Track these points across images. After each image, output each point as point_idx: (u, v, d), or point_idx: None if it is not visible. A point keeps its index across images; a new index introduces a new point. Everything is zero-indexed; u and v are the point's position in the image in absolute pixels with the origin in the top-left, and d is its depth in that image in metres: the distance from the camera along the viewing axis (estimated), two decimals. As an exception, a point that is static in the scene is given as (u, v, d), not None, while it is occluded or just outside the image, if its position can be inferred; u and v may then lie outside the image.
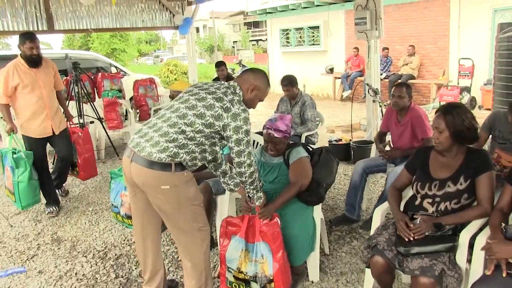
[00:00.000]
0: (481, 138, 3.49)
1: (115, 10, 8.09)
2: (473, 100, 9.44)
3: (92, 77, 7.66)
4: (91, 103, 6.62)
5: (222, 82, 2.58)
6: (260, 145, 4.11)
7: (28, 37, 4.23)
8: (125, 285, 3.25)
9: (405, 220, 2.47)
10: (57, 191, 4.93)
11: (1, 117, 5.29)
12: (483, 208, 2.42)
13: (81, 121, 5.92)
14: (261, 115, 9.63)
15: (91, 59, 10.29)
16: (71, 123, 5.11)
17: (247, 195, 2.79)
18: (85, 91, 6.55)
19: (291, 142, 3.20)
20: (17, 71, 4.21)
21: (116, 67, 10.41)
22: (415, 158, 2.74)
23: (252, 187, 2.60)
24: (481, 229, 2.42)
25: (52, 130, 4.50)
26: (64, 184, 5.27)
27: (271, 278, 2.69)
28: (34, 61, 4.27)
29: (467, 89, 9.49)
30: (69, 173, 5.19)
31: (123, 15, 8.25)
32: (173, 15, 8.74)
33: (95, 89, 7.55)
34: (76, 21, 7.69)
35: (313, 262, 3.10)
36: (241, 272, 2.78)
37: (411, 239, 2.35)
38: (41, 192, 4.55)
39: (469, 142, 2.53)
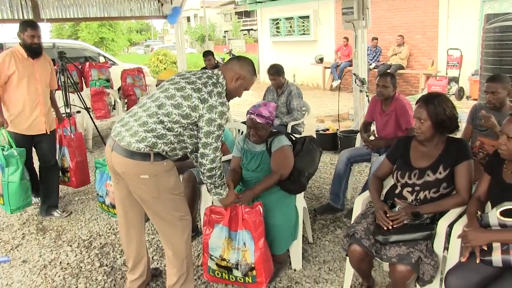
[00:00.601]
0: (466, 131, 3.58)
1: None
2: (461, 90, 9.49)
3: (80, 67, 7.61)
4: (78, 92, 6.58)
5: (207, 71, 2.54)
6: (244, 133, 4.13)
7: (29, 24, 3.97)
8: (109, 273, 3.26)
9: (384, 209, 2.50)
10: (56, 212, 4.36)
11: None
12: (461, 197, 2.46)
13: (68, 110, 5.88)
14: (250, 105, 9.61)
15: (79, 49, 10.21)
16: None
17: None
18: (72, 80, 6.50)
19: (274, 130, 3.21)
20: (14, 59, 3.88)
21: (104, 56, 10.35)
22: (396, 148, 2.77)
23: (209, 181, 2.52)
24: (458, 218, 2.46)
25: (45, 128, 4.14)
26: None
27: (253, 265, 2.72)
28: (35, 50, 3.97)
29: (455, 79, 9.54)
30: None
31: (111, 4, 8.16)
32: (162, 4, 8.66)
33: (82, 78, 7.50)
34: (63, 10, 7.58)
35: (295, 251, 3.13)
36: (224, 260, 2.81)
37: (390, 227, 2.38)
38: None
39: (449, 131, 2.55)
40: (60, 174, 4.60)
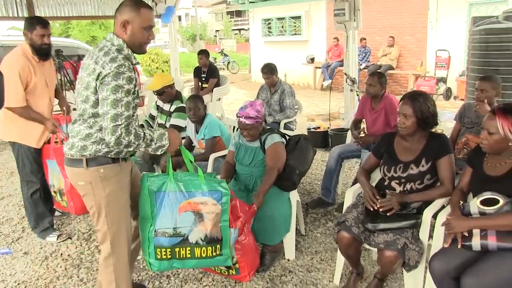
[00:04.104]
0: (454, 129, 3.78)
1: (98, -2, 8.09)
2: (448, 90, 9.71)
3: (75, 65, 7.67)
4: (74, 90, 6.65)
5: (101, 44, 2.24)
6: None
7: (39, 21, 3.46)
8: (109, 264, 3.38)
9: (372, 190, 2.69)
10: (53, 237, 3.80)
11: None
12: (446, 188, 2.63)
13: (64, 108, 5.96)
14: (242, 103, 9.75)
15: (72, 47, 10.24)
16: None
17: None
18: (68, 78, 6.58)
19: (268, 127, 3.35)
20: (30, 64, 3.41)
21: (97, 55, 10.38)
22: (380, 144, 2.94)
23: (133, 147, 2.22)
24: (442, 208, 2.62)
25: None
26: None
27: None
28: (45, 52, 3.51)
29: (443, 80, 9.76)
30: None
31: (106, 3, 8.21)
32: (156, 4, 8.75)
33: (77, 76, 7.55)
34: (58, 8, 7.65)
35: (289, 242, 3.28)
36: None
37: (376, 208, 2.57)
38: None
39: (430, 127, 2.72)
40: (56, 196, 3.78)
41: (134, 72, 2.20)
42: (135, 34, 2.23)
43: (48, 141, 3.68)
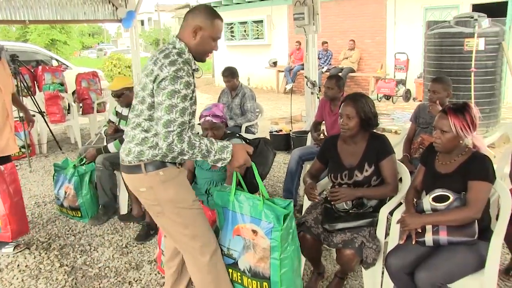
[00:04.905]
0: (410, 129, 3.91)
1: (55, 1, 7.87)
2: (408, 92, 9.99)
3: (32, 70, 7.50)
4: (32, 96, 6.51)
5: (162, 47, 2.22)
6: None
7: None
8: (70, 273, 3.31)
9: (312, 184, 2.75)
10: (8, 248, 3.66)
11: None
12: (391, 185, 2.69)
13: (21, 114, 5.82)
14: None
15: (30, 52, 9.99)
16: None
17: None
18: (25, 84, 6.43)
19: (228, 132, 3.37)
20: None
21: (57, 60, 10.18)
22: (324, 149, 2.96)
23: (187, 157, 2.13)
24: (398, 206, 2.71)
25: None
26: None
27: None
28: None
29: (403, 82, 10.05)
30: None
31: (64, 7, 7.99)
32: (116, 8, 8.63)
33: (35, 82, 7.40)
34: (12, 11, 7.37)
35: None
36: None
37: (316, 200, 2.70)
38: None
39: (372, 128, 2.77)
40: None
41: (193, 77, 2.16)
42: (204, 42, 2.19)
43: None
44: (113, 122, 4.48)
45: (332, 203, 2.68)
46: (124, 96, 4.21)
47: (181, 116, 2.04)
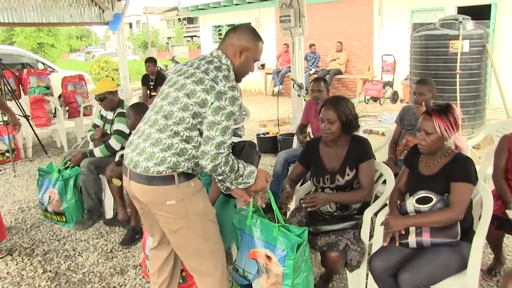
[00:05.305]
0: (396, 131, 3.92)
1: (41, 4, 7.79)
2: (395, 94, 10.03)
3: (17, 74, 7.42)
4: (16, 100, 6.44)
5: (205, 55, 2.20)
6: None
7: None
8: (53, 279, 3.27)
9: (289, 193, 2.74)
10: None
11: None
12: (366, 190, 2.68)
13: (5, 118, 5.75)
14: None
15: (15, 55, 9.89)
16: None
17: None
18: (9, 88, 6.36)
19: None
20: None
21: (43, 63, 10.12)
22: (306, 152, 2.94)
23: (220, 178, 2.20)
24: (382, 208, 2.71)
25: None
26: None
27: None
28: None
29: (390, 84, 10.08)
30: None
31: (49, 9, 7.92)
32: (103, 11, 8.58)
33: (20, 86, 7.32)
34: (-4, 12, 7.32)
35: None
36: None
37: (286, 209, 2.68)
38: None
39: (353, 130, 2.76)
40: None
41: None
42: (247, 63, 2.19)
43: None
44: (99, 126, 4.44)
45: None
46: (107, 99, 4.17)
47: (229, 138, 2.03)
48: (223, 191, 2.33)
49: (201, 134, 2.03)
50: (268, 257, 2.30)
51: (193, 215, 2.10)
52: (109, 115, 4.27)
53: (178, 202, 2.05)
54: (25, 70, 7.55)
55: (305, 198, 2.66)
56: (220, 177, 2.14)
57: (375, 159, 2.78)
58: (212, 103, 1.98)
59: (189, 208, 2.09)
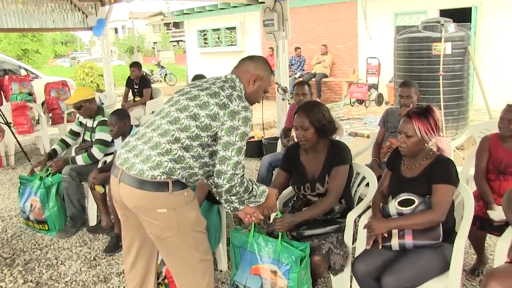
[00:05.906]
0: (379, 134, 3.94)
1: (22, 9, 7.69)
2: (380, 96, 10.09)
3: (-2, 81, 7.32)
4: (-3, 107, 6.35)
5: (219, 76, 2.25)
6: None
7: None
8: (34, 289, 3.22)
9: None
10: None
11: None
12: (331, 197, 2.61)
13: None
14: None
15: (-5, 61, 9.77)
16: None
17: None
18: (-10, 95, 6.27)
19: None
20: None
21: (26, 69, 9.99)
22: (286, 158, 2.90)
23: (235, 198, 2.21)
24: (365, 211, 2.71)
25: None
26: None
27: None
28: None
29: (375, 86, 10.13)
30: None
31: (31, 15, 7.83)
32: (86, 16, 8.50)
33: (1, 92, 7.22)
34: (-25, 19, 7.21)
35: (221, 253, 3.26)
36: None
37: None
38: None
39: (330, 134, 2.72)
40: None
41: None
42: (258, 91, 2.25)
43: None
44: (78, 133, 4.40)
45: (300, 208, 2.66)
46: (84, 108, 4.14)
47: (243, 158, 2.07)
48: (229, 211, 2.34)
49: (202, 148, 2.04)
50: (274, 272, 2.38)
51: (184, 225, 2.07)
52: (89, 122, 4.22)
53: (170, 211, 2.02)
54: (6, 77, 7.45)
55: (270, 224, 2.60)
56: (233, 197, 2.19)
57: (350, 165, 2.72)
58: (225, 121, 2.00)
59: (180, 218, 2.05)
